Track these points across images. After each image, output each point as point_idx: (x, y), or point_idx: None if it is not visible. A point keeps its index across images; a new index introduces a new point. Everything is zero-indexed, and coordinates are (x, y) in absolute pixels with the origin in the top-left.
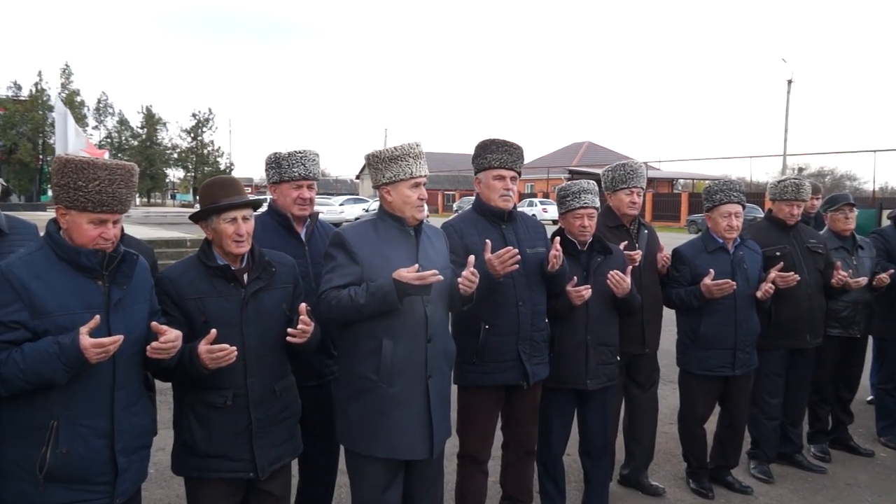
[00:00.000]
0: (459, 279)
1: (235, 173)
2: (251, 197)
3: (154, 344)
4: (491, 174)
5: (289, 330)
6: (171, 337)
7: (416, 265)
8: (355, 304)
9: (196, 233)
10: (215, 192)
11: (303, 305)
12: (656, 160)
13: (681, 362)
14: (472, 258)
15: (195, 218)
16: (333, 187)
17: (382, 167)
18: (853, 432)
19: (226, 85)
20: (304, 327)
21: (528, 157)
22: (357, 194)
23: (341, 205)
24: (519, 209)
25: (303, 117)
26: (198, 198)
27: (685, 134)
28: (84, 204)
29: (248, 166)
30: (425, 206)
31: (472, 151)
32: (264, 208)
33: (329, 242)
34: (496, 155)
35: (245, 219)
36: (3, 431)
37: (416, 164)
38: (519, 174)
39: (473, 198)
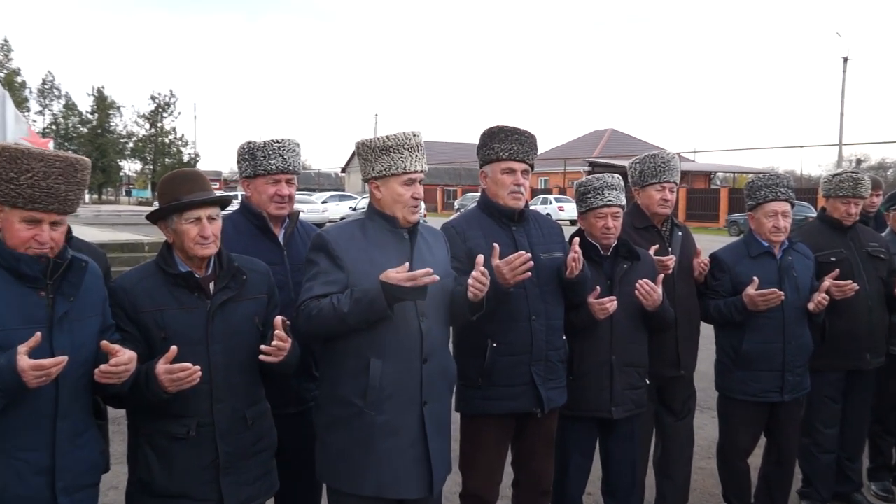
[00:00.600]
0: (469, 281)
1: (201, 166)
2: (218, 193)
3: (103, 367)
4: (499, 167)
5: (262, 347)
6: (123, 359)
7: (407, 264)
8: (338, 313)
9: (156, 234)
10: (176, 187)
11: (278, 318)
12: (691, 150)
13: (720, 386)
14: (480, 258)
15: (153, 217)
16: (316, 182)
17: (372, 158)
18: None
19: (190, 64)
20: (279, 343)
21: (543, 147)
22: (343, 190)
23: (324, 202)
24: (531, 207)
25: (281, 102)
26: (157, 194)
27: (724, 120)
28: (14, 199)
29: (216, 158)
30: (422, 207)
31: (476, 141)
32: (235, 206)
33: (310, 246)
34: (505, 144)
35: (211, 218)
36: None
37: (412, 157)
38: (531, 167)
39: (478, 194)
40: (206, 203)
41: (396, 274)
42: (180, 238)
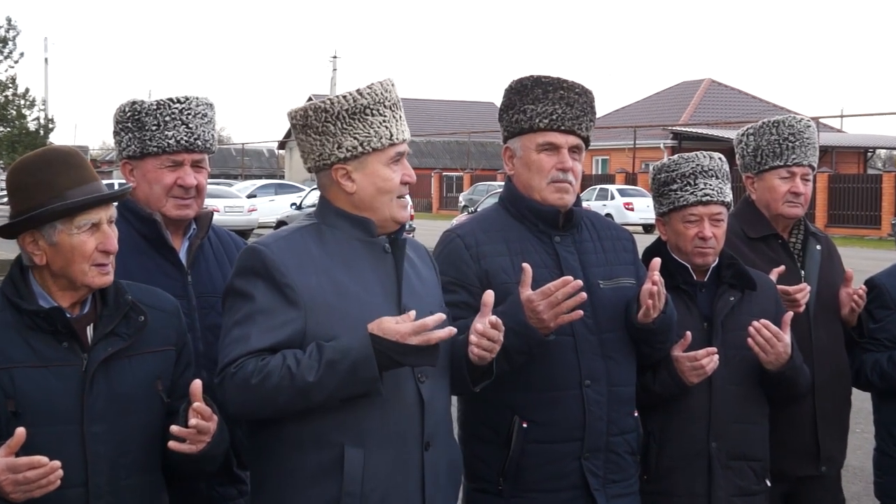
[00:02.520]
0: (471, 337)
1: (55, 138)
2: (107, 184)
3: None
4: (534, 141)
5: (173, 429)
6: None
7: (413, 312)
8: (297, 384)
9: None
10: (52, 177)
11: (196, 384)
12: (835, 115)
13: (884, 490)
14: (488, 296)
15: (13, 230)
16: (238, 165)
17: (338, 130)
18: None
19: None
20: (199, 423)
21: (602, 110)
22: (280, 177)
23: (252, 196)
24: (584, 205)
25: (185, 42)
26: (10, 187)
27: (889, 70)
28: None
29: (81, 126)
30: (409, 200)
31: (495, 99)
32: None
33: (236, 268)
34: (544, 106)
35: (110, 222)
36: None
37: (395, 119)
38: (586, 141)
39: (498, 185)
40: (105, 200)
41: (397, 325)
42: (66, 257)
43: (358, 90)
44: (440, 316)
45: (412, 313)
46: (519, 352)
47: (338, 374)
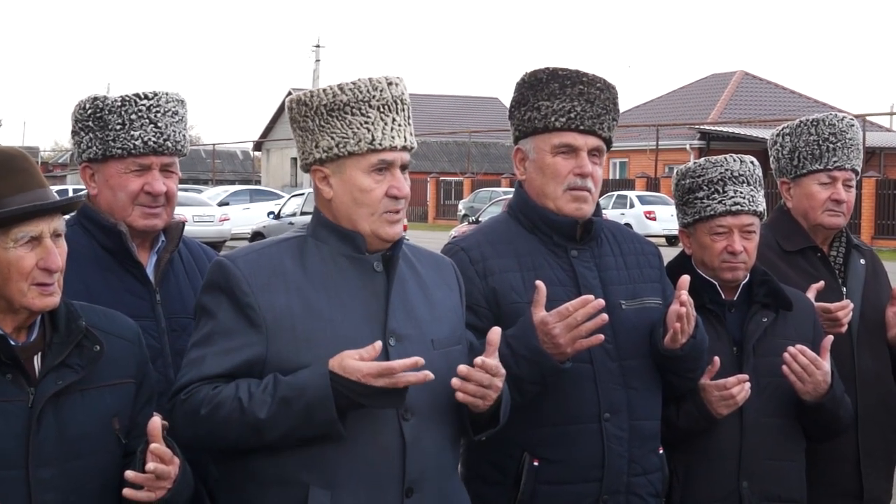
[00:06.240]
0: (453, 381)
1: (1, 138)
2: (59, 190)
3: None
4: (549, 142)
5: (128, 475)
6: None
7: (378, 343)
8: (248, 419)
9: None
10: None
11: (155, 421)
12: (884, 112)
13: None
14: (494, 335)
15: None
16: (209, 169)
17: (315, 126)
18: None
19: None
20: (158, 468)
21: (621, 106)
22: (256, 182)
23: (223, 204)
24: (604, 213)
25: (146, 28)
26: None
27: None
28: None
29: (29, 124)
30: (402, 215)
31: (500, 94)
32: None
33: (204, 282)
34: (560, 102)
35: (56, 236)
36: None
37: (385, 122)
38: (608, 143)
39: (505, 191)
40: (48, 210)
41: (360, 363)
42: (1, 274)
43: (340, 84)
44: (416, 360)
45: (377, 345)
46: (531, 381)
47: (291, 413)
